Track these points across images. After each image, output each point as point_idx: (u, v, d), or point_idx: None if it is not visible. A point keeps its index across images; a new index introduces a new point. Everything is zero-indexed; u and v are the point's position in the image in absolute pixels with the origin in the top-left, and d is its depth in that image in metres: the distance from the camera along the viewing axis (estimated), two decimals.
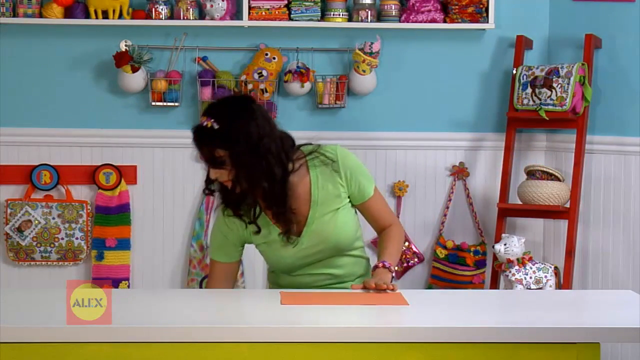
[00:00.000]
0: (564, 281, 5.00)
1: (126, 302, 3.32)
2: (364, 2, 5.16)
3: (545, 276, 4.97)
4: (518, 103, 5.12)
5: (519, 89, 5.11)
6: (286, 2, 5.15)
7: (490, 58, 5.32)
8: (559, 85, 5.01)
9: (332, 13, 5.16)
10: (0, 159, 5.22)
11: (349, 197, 3.58)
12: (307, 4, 5.15)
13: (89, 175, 5.26)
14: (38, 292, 4.08)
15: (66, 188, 5.25)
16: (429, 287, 5.32)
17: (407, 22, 5.16)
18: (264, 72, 5.17)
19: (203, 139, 3.38)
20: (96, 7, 5.10)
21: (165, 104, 5.20)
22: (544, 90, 5.04)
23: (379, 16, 5.20)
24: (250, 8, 5.12)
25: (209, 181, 3.50)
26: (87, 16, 5.12)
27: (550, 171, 5.07)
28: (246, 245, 3.65)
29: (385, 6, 5.19)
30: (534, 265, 4.98)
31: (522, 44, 5.21)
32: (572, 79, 4.98)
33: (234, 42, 5.26)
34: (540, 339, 2.99)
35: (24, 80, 5.23)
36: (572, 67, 5.00)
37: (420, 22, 5.16)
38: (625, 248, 5.10)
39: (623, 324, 3.06)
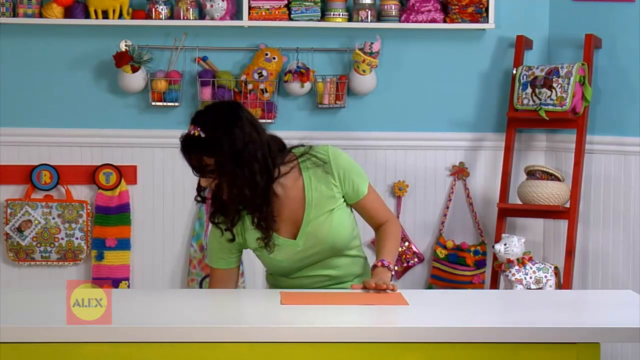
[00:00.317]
0: (564, 281, 5.00)
1: (126, 302, 3.32)
2: (364, 2, 5.16)
3: (545, 276, 4.97)
4: (518, 103, 5.12)
5: (519, 89, 5.11)
6: (286, 2, 5.15)
7: (490, 58, 5.32)
8: (559, 85, 5.01)
9: (332, 13, 5.16)
10: (0, 159, 5.22)
11: (343, 197, 3.58)
12: (307, 4, 5.15)
13: (89, 175, 5.26)
14: (38, 292, 4.08)
15: (66, 188, 5.25)
16: (429, 287, 5.32)
17: (407, 22, 5.16)
18: (264, 72, 5.17)
19: (190, 148, 3.38)
20: (96, 7, 5.10)
21: (165, 104, 5.21)
22: (544, 90, 5.04)
23: (379, 16, 5.20)
24: (250, 8, 5.12)
25: (200, 189, 3.50)
26: (87, 16, 5.12)
27: (550, 171, 5.07)
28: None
29: (385, 6, 5.19)
30: (534, 265, 4.98)
31: (522, 44, 5.21)
32: (572, 79, 4.98)
33: (234, 42, 5.26)
34: (540, 339, 2.99)
35: (24, 80, 5.23)
36: (572, 67, 5.00)
37: (420, 22, 5.16)
38: (625, 248, 5.10)
39: (623, 324, 3.06)
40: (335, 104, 5.23)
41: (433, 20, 5.17)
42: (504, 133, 5.24)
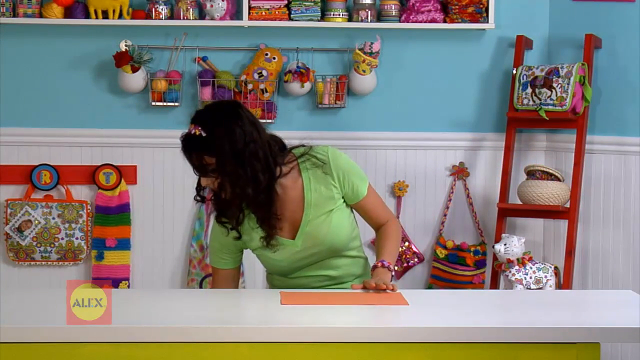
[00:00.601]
0: (564, 281, 5.00)
1: (126, 302, 3.32)
2: (364, 2, 5.16)
3: (545, 276, 4.97)
4: (518, 103, 5.12)
5: (519, 89, 5.11)
6: (286, 2, 5.15)
7: (490, 58, 5.32)
8: (559, 85, 5.01)
9: (332, 13, 5.16)
10: (0, 159, 5.22)
11: (343, 197, 3.58)
12: (307, 4, 5.15)
13: (89, 175, 5.26)
14: (38, 292, 4.08)
15: (66, 188, 5.25)
16: (429, 287, 5.32)
17: (407, 22, 5.16)
18: (264, 72, 5.17)
19: (191, 147, 3.38)
20: (96, 7, 5.10)
21: (165, 104, 5.21)
22: (544, 90, 5.04)
23: (379, 16, 5.20)
24: (250, 8, 5.12)
25: (199, 188, 3.50)
26: (87, 16, 5.12)
27: (550, 171, 5.07)
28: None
29: (385, 6, 5.19)
30: (534, 265, 4.98)
31: (522, 44, 5.21)
32: (572, 79, 4.98)
33: (234, 42, 5.26)
34: (540, 339, 2.99)
35: (24, 80, 5.23)
36: (572, 67, 5.00)
37: (420, 22, 5.16)
38: (625, 248, 5.10)
39: (623, 324, 3.06)
40: (335, 104, 5.23)
41: (433, 20, 5.17)
42: (504, 133, 5.24)
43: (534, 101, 5.07)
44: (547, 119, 5.04)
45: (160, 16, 5.13)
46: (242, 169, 3.37)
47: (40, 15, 5.11)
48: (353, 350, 2.98)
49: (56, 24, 5.16)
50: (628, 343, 4.93)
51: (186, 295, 3.93)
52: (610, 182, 5.13)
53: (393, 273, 3.57)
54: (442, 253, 5.30)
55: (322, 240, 3.53)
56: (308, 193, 3.52)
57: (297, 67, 5.17)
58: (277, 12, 5.14)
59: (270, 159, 3.42)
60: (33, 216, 5.21)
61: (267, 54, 5.18)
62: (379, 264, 3.52)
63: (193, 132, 3.36)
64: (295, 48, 5.25)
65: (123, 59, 5.09)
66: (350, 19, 5.19)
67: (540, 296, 3.73)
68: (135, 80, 5.14)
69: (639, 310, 3.24)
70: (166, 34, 5.22)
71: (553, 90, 5.02)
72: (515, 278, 4.95)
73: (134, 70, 5.11)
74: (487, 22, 5.17)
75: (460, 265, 5.28)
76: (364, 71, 5.16)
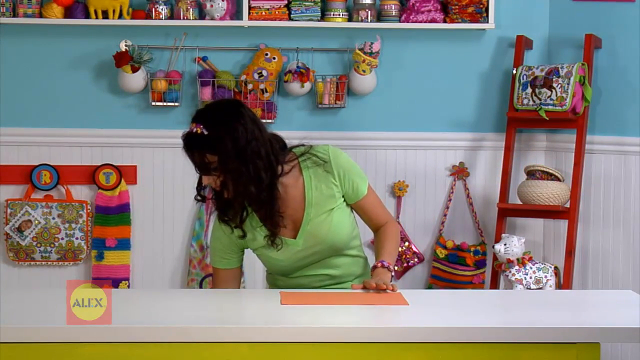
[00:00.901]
0: (564, 281, 5.00)
1: (126, 302, 3.32)
2: (364, 2, 5.16)
3: (545, 276, 4.97)
4: (518, 103, 5.12)
5: (519, 89, 5.11)
6: (286, 2, 5.15)
7: (490, 58, 5.32)
8: (559, 85, 5.01)
9: (332, 13, 5.16)
10: (0, 159, 5.22)
11: (343, 196, 3.58)
12: (307, 4, 5.15)
13: (89, 175, 5.26)
14: (38, 292, 4.08)
15: (66, 188, 5.25)
16: (429, 287, 5.32)
17: (407, 22, 5.16)
18: (264, 72, 5.17)
19: (193, 145, 3.38)
20: (96, 7, 5.10)
21: (165, 104, 5.21)
22: (544, 90, 5.04)
23: (379, 16, 5.20)
24: (250, 8, 5.12)
25: (200, 187, 3.50)
26: (87, 16, 5.12)
27: (550, 171, 5.07)
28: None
29: (385, 6, 5.19)
30: (534, 265, 4.98)
31: (522, 44, 5.21)
32: (572, 79, 4.98)
33: (234, 42, 5.26)
34: (540, 339, 2.99)
35: (24, 80, 5.23)
36: (572, 67, 5.00)
37: (420, 22, 5.16)
38: (625, 248, 5.10)
39: (623, 324, 3.06)
40: (335, 104, 5.23)
41: (433, 20, 5.17)
42: (504, 133, 5.24)
43: (534, 101, 5.07)
44: (547, 119, 5.04)
45: (160, 16, 5.13)
46: (244, 167, 3.37)
47: (40, 15, 5.11)
48: (353, 350, 2.98)
49: (56, 24, 5.16)
50: (628, 343, 4.93)
51: (186, 295, 3.93)
52: (610, 182, 5.13)
53: (393, 273, 3.57)
54: (442, 253, 5.30)
55: (323, 239, 3.54)
56: (309, 192, 3.53)
57: (297, 67, 5.17)
58: (277, 12, 5.14)
59: (272, 157, 3.43)
60: (33, 216, 5.21)
61: (267, 54, 5.18)
62: (379, 264, 3.53)
63: (195, 130, 3.37)
64: (295, 48, 5.25)
65: (123, 59, 5.09)
66: (350, 19, 5.19)
67: (540, 296, 3.73)
68: (135, 80, 5.14)
69: (639, 310, 3.24)
70: (166, 34, 5.22)
71: (553, 90, 5.02)
72: (515, 278, 4.95)
73: (134, 70, 5.11)
74: (487, 22, 5.17)
75: (460, 265, 5.28)
76: (364, 71, 5.16)
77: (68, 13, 5.12)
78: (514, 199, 5.23)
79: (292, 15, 5.16)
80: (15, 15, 5.11)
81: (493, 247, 5.05)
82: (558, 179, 5.07)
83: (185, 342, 2.96)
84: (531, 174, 5.11)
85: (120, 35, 5.17)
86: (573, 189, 5.06)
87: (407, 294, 3.38)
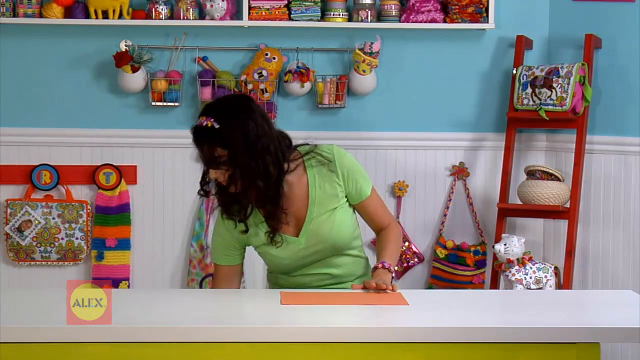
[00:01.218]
0: (564, 281, 5.00)
1: (126, 302, 3.32)
2: (364, 2, 5.16)
3: (545, 276, 4.97)
4: (518, 103, 5.12)
5: (519, 89, 5.11)
6: (286, 2, 5.15)
7: (490, 58, 5.32)
8: (559, 85, 5.01)
9: (332, 13, 5.16)
10: (0, 159, 5.22)
11: (346, 196, 3.58)
12: (307, 4, 5.15)
13: (89, 175, 5.26)
14: (38, 292, 4.08)
15: (66, 188, 5.25)
16: (429, 287, 5.32)
17: (407, 22, 5.16)
18: (264, 72, 5.17)
19: (203, 139, 3.38)
20: (96, 7, 5.10)
21: (165, 104, 5.20)
22: (544, 90, 5.04)
23: (379, 16, 5.20)
24: (250, 8, 5.12)
25: (203, 182, 3.50)
26: (87, 16, 5.12)
27: (550, 171, 5.07)
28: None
29: (385, 6, 5.19)
30: (534, 265, 4.98)
31: (522, 44, 5.21)
32: (572, 79, 4.98)
33: (234, 42, 5.26)
34: (540, 339, 2.99)
35: (24, 80, 5.23)
36: (572, 67, 5.00)
37: (420, 22, 5.16)
38: (625, 248, 5.10)
39: (623, 324, 3.06)
40: (335, 104, 5.23)
41: (433, 20, 5.17)
42: (504, 133, 5.24)
43: (534, 101, 5.07)
44: (547, 119, 5.04)
45: (160, 16, 5.13)
46: (253, 161, 3.38)
47: (40, 15, 5.11)
48: (353, 350, 2.98)
49: (56, 24, 5.16)
50: (628, 343, 4.93)
51: (186, 295, 3.93)
52: (610, 182, 5.13)
53: (393, 275, 3.58)
54: (442, 253, 5.30)
55: (325, 237, 3.54)
56: (313, 190, 3.53)
57: (297, 67, 5.18)
58: (277, 12, 5.14)
59: (280, 153, 3.44)
60: (33, 216, 5.21)
61: (267, 54, 5.18)
62: (380, 265, 3.53)
63: (205, 123, 3.36)
64: (295, 48, 5.25)
65: (123, 59, 5.09)
66: (350, 19, 5.19)
67: (540, 296, 3.73)
68: (135, 80, 5.14)
69: (639, 310, 3.24)
70: (166, 34, 5.22)
71: (553, 90, 5.02)
72: (515, 278, 4.95)
73: (134, 70, 5.11)
74: (487, 22, 5.17)
75: (460, 265, 5.28)
76: (364, 71, 5.16)
77: (68, 13, 5.12)
78: (514, 199, 5.23)
79: (292, 15, 5.16)
80: (15, 15, 5.11)
81: (493, 247, 5.05)
82: (558, 179, 5.07)
83: (185, 342, 2.96)
84: (531, 174, 5.11)
85: (120, 35, 5.17)
86: (573, 189, 5.06)
87: (407, 294, 3.38)
